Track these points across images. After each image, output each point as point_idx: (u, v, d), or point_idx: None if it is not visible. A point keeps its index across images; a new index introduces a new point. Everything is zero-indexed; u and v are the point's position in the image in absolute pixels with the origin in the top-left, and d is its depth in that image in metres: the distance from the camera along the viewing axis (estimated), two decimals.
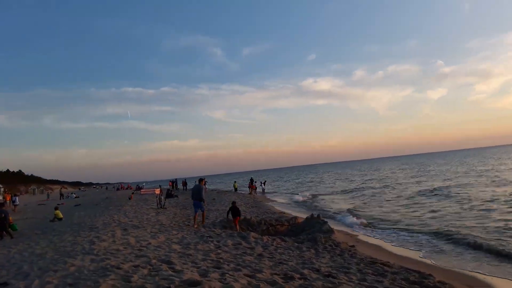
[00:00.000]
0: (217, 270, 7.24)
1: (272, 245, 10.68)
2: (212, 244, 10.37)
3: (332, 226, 13.66)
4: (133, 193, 43.28)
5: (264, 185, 45.64)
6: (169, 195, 34.92)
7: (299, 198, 33.86)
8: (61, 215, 20.76)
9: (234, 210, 14.37)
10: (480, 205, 19.57)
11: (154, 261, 7.91)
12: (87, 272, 7.08)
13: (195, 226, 14.45)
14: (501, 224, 14.27)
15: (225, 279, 6.47)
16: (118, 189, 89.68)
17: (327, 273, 7.49)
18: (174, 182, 56.43)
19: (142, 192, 49.86)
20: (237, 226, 13.98)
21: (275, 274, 7.21)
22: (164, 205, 24.59)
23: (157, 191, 40.20)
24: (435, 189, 29.27)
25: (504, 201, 20.02)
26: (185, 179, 59.25)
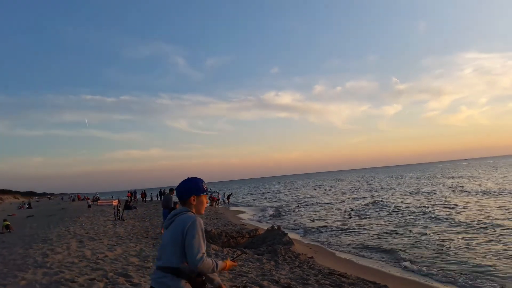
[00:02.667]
0: None
1: (233, 257, 10.69)
2: None
3: (291, 238, 13.83)
4: (89, 205, 41.83)
5: (228, 199, 45.19)
6: (127, 206, 34.08)
7: (261, 209, 33.98)
8: (7, 223, 19.95)
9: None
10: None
11: (110, 274, 7.73)
12: (39, 286, 6.82)
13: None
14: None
15: None
16: (74, 199, 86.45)
17: (286, 285, 7.59)
18: (133, 193, 55.15)
19: (99, 203, 48.37)
20: None
21: (235, 286, 7.23)
22: (122, 217, 23.98)
23: (115, 202, 39.14)
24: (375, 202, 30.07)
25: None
26: (144, 190, 58.07)
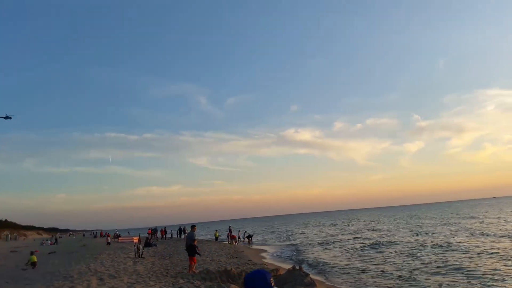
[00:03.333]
0: None
1: None
2: None
3: (314, 278, 13.51)
4: (108, 242, 41.94)
5: (250, 239, 43.91)
6: (147, 244, 34.09)
7: (281, 248, 33.40)
8: (35, 259, 20.17)
9: (191, 248, 15.62)
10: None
11: None
12: None
13: (190, 271, 15.45)
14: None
15: None
16: (95, 236, 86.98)
17: None
18: (153, 230, 55.21)
19: (119, 240, 48.54)
20: (193, 267, 15.61)
21: None
22: (142, 254, 23.96)
23: (136, 239, 39.22)
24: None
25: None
26: (164, 228, 58.09)
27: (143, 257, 23.04)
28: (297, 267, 14.28)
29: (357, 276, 16.87)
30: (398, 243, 28.20)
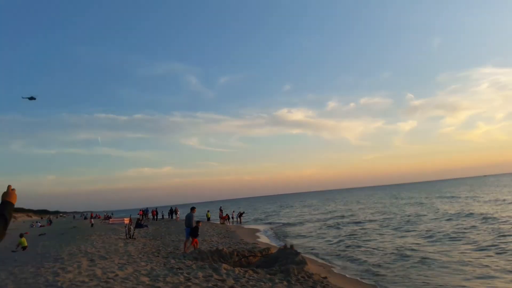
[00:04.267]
0: None
1: (244, 277, 10.49)
2: (182, 276, 10.09)
3: (305, 257, 13.58)
4: (92, 224, 41.04)
5: (240, 217, 44.40)
6: (138, 225, 34.05)
7: (273, 227, 33.64)
8: (25, 243, 19.93)
9: (195, 230, 15.93)
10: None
11: None
12: None
13: (185, 250, 15.78)
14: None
15: None
16: (86, 218, 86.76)
17: None
18: (144, 211, 55.18)
19: (110, 222, 48.45)
20: (196, 246, 15.89)
21: None
22: (133, 235, 23.92)
23: (126, 221, 39.14)
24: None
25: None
26: (156, 209, 58.07)
27: (134, 238, 23.00)
28: (289, 246, 14.32)
29: (343, 254, 17.10)
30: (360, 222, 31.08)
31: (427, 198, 60.79)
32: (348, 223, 31.94)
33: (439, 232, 21.15)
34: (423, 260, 14.05)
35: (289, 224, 36.00)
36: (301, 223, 36.02)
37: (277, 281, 10.24)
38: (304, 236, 25.48)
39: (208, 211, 49.67)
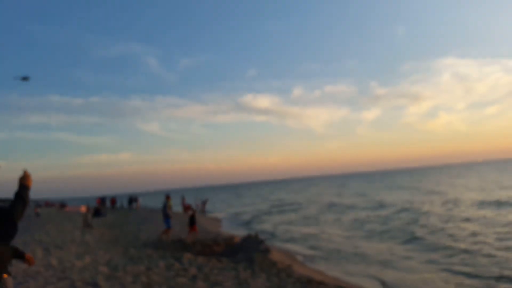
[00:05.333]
0: None
1: (207, 266, 10.33)
2: (142, 266, 9.79)
3: (269, 245, 13.58)
4: (38, 214, 38.57)
5: (204, 205, 44.01)
6: (96, 213, 33.02)
7: (237, 217, 33.60)
8: None
9: (192, 219, 15.79)
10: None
11: (78, 283, 7.27)
12: None
13: (160, 237, 15.76)
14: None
15: None
16: (40, 206, 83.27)
17: None
18: (102, 200, 53.69)
19: (66, 210, 46.78)
20: (195, 233, 15.79)
21: None
22: (91, 224, 23.12)
23: (83, 209, 37.85)
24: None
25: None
26: (114, 196, 56.65)
27: (92, 227, 22.25)
28: (253, 234, 14.29)
29: (304, 241, 17.42)
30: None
31: (374, 188, 62.98)
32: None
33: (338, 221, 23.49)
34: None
35: (245, 212, 36.18)
36: (257, 212, 36.21)
37: (241, 269, 10.14)
38: (265, 226, 25.61)
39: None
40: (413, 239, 16.17)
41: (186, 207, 41.10)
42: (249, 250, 12.48)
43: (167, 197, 17.03)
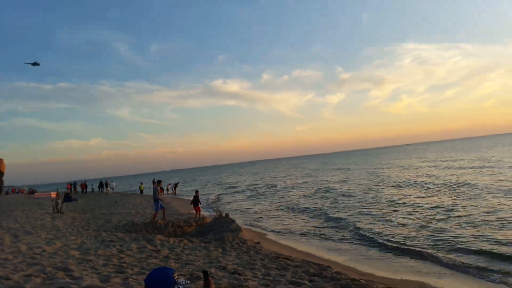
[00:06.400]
0: (119, 275, 6.96)
1: (179, 246, 10.56)
2: (114, 249, 9.92)
3: (240, 225, 13.92)
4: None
5: (175, 188, 44.13)
6: (67, 198, 32.53)
7: (209, 198, 33.85)
8: None
9: (196, 199, 17.16)
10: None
11: (49, 269, 7.34)
12: None
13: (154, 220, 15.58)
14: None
15: (129, 283, 6.25)
16: (7, 192, 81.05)
17: (233, 270, 7.63)
18: (72, 185, 52.71)
19: (35, 196, 45.76)
20: (199, 214, 17.08)
21: (181, 275, 7.15)
22: (61, 209, 22.84)
23: (53, 194, 37.22)
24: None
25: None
26: (85, 182, 55.72)
27: (63, 212, 21.99)
28: (224, 215, 14.58)
29: (270, 220, 17.83)
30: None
31: (317, 169, 65.06)
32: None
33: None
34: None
35: (231, 194, 36.58)
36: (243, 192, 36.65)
37: (212, 248, 10.44)
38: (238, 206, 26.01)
39: (141, 183, 48.62)
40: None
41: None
42: (220, 230, 12.78)
43: (158, 182, 17.05)
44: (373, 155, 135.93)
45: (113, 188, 50.71)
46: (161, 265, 8.28)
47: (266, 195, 31.67)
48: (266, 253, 9.94)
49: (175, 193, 42.68)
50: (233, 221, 13.71)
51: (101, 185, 50.19)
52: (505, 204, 15.24)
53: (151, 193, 41.59)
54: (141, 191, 43.95)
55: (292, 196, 27.46)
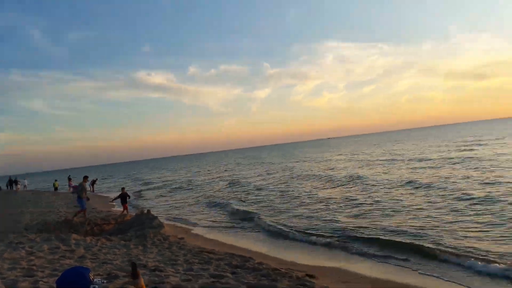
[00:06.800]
0: (28, 278, 6.46)
1: (96, 245, 10.06)
2: (23, 251, 9.17)
3: (162, 221, 13.60)
4: None
5: (93, 185, 41.72)
6: None
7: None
8: None
9: (123, 196, 16.58)
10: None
11: None
12: None
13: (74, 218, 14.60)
14: None
15: (38, 287, 5.83)
16: None
17: (153, 267, 7.46)
18: None
19: None
20: (126, 211, 16.52)
21: (98, 274, 6.82)
22: None
23: None
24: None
25: None
26: None
27: None
28: (145, 211, 14.15)
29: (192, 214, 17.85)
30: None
31: (239, 164, 66.58)
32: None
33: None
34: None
35: (153, 189, 35.54)
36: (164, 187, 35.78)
37: (132, 246, 10.10)
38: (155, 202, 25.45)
39: (55, 180, 45.51)
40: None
41: (74, 187, 38.67)
42: (141, 227, 12.40)
43: (84, 178, 15.55)
44: (297, 148, 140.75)
45: (25, 186, 46.89)
46: (76, 265, 7.82)
47: (185, 189, 31.40)
48: (190, 248, 9.85)
49: (92, 190, 40.45)
50: (155, 217, 13.36)
51: (10, 183, 46.11)
52: (387, 195, 16.67)
53: (65, 191, 39.25)
54: (56, 188, 41.11)
55: (210, 191, 27.26)
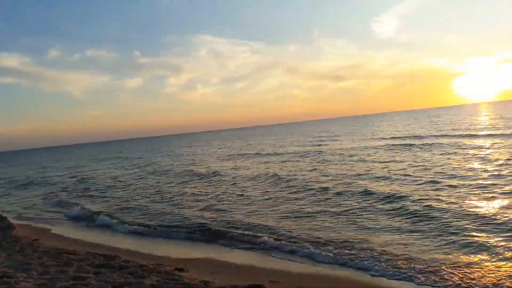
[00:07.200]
0: None
1: None
2: None
3: (13, 222, 12.10)
4: None
5: None
6: None
7: None
8: None
9: None
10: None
11: None
12: None
13: None
14: None
15: None
16: None
17: (1, 274, 6.60)
18: None
19: None
20: None
21: None
22: None
23: None
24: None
25: None
26: None
27: None
28: None
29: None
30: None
31: (95, 159, 64.07)
32: None
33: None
34: None
35: None
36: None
37: None
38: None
39: None
40: None
41: None
42: None
43: None
44: (167, 142, 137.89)
45: None
46: None
47: (35, 186, 28.98)
48: (46, 249, 8.97)
49: None
50: (4, 218, 11.84)
51: None
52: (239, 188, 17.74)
53: None
54: None
55: (63, 189, 24.96)
